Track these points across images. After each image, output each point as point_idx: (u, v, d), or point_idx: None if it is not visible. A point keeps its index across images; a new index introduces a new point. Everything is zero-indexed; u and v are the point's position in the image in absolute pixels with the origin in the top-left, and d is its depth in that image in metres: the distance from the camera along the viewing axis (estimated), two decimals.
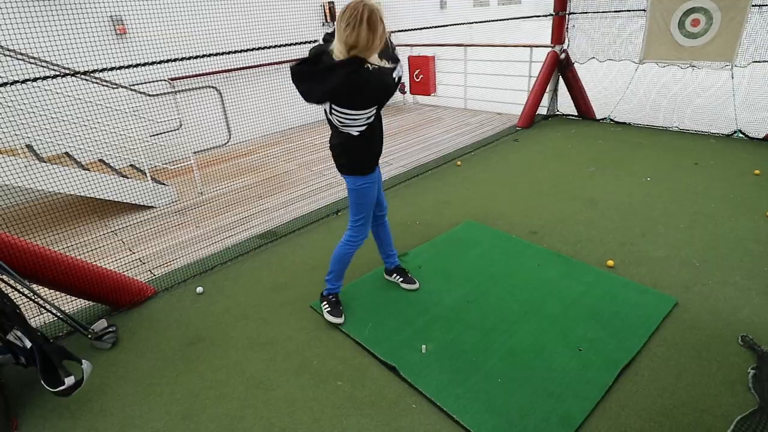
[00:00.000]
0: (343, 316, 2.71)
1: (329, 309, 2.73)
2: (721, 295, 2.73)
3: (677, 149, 5.17)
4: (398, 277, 3.01)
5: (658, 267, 3.05)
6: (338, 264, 2.69)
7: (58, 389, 2.13)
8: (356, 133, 2.27)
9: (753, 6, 4.89)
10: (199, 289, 3.15)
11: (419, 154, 5.71)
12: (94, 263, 2.89)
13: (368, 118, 2.23)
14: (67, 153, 4.81)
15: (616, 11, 5.87)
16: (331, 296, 2.78)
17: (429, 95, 8.09)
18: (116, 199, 4.33)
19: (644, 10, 5.58)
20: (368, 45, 2.02)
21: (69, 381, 2.15)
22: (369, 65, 2.06)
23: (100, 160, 5.18)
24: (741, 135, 5.40)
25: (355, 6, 1.97)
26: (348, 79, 2.03)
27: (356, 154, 2.38)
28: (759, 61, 5.10)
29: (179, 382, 2.39)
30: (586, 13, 6.12)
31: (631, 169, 4.68)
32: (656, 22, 5.54)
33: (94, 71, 3.08)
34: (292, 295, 3.03)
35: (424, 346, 2.46)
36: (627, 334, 2.46)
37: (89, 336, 2.63)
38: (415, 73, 8.03)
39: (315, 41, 4.04)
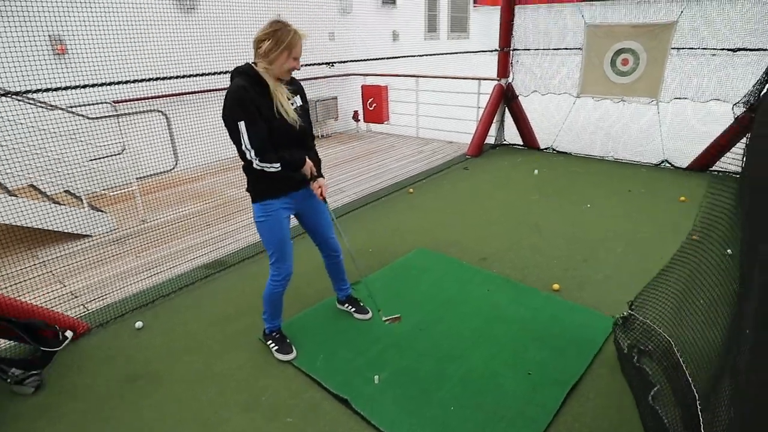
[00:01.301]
0: (293, 351, 2.61)
1: (277, 347, 2.62)
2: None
3: (613, 177, 5.50)
4: (350, 307, 2.97)
5: (599, 290, 3.19)
6: (268, 304, 2.58)
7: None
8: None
9: (672, 48, 5.38)
10: (139, 324, 2.97)
11: (372, 181, 5.75)
12: (17, 298, 2.66)
13: None
14: None
15: (555, 49, 6.27)
16: (274, 333, 2.66)
17: (382, 123, 8.24)
18: (46, 228, 4.04)
19: (580, 49, 6.00)
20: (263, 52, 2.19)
21: None
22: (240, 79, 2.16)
23: (31, 185, 4.85)
24: (668, 164, 5.83)
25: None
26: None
27: (250, 178, 2.35)
28: (680, 98, 5.58)
29: (116, 425, 2.21)
30: (528, 50, 6.50)
31: (572, 196, 4.93)
32: (591, 61, 5.96)
33: (26, 92, 2.92)
34: (240, 327, 2.92)
35: (376, 376, 2.42)
36: (573, 356, 2.54)
37: (8, 380, 2.40)
38: (369, 101, 8.17)
39: None
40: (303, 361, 2.57)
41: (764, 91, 4.91)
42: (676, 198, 4.74)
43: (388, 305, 3.06)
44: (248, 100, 2.13)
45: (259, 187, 2.34)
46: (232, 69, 2.25)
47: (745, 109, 5.05)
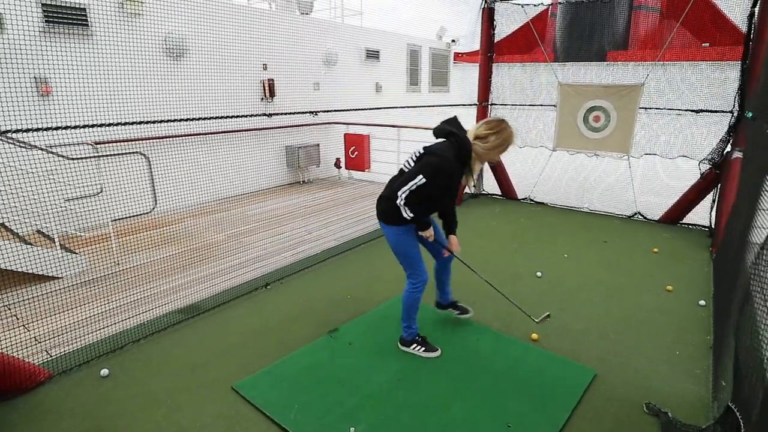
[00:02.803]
0: (438, 349, 2.99)
1: (423, 348, 2.97)
2: (634, 366, 2.89)
3: (588, 228, 5.64)
4: (453, 310, 3.37)
5: (578, 339, 3.19)
6: (409, 310, 2.96)
7: None
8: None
9: (640, 108, 5.70)
10: (104, 372, 2.83)
11: (353, 227, 5.77)
12: None
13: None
14: None
15: (531, 105, 6.57)
16: (417, 337, 3.00)
17: (363, 171, 8.37)
18: (13, 269, 3.90)
19: (555, 105, 6.30)
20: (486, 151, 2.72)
21: None
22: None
23: (1, 224, 4.72)
24: (640, 216, 6.02)
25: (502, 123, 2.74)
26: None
27: (392, 205, 2.79)
28: (649, 154, 5.85)
29: None
30: (505, 104, 6.79)
31: (549, 246, 5.01)
32: (565, 117, 6.25)
33: (6, 131, 2.90)
34: (212, 376, 2.80)
35: (352, 429, 2.33)
36: (553, 408, 2.50)
37: None
38: (351, 149, 8.34)
39: (253, 115, 4.18)
40: (276, 412, 2.46)
41: (726, 149, 5.20)
42: (650, 249, 4.87)
43: (366, 354, 3.00)
44: (449, 175, 2.64)
45: (398, 215, 2.74)
46: (455, 125, 2.73)
47: (710, 166, 5.32)
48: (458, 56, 13.13)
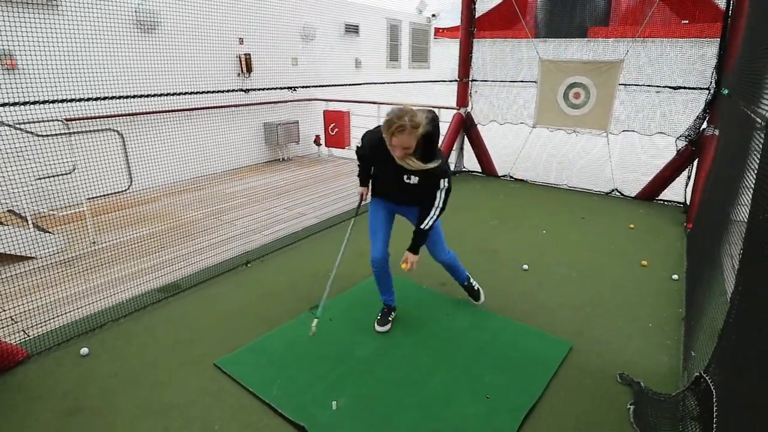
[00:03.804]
0: (387, 326, 3.03)
1: (379, 317, 3.05)
2: (608, 338, 2.99)
3: (567, 205, 5.72)
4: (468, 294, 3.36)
5: (555, 314, 3.28)
6: None
7: None
8: None
9: (620, 84, 5.74)
10: (84, 351, 2.80)
11: (334, 205, 5.75)
12: None
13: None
14: None
15: (511, 81, 6.56)
16: (383, 307, 3.11)
17: (343, 148, 8.29)
18: None
19: (535, 82, 6.30)
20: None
21: None
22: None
23: None
24: (618, 193, 6.13)
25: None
26: None
27: None
28: (628, 130, 5.93)
29: None
30: (486, 81, 6.76)
31: (528, 222, 5.08)
32: (545, 93, 6.26)
33: None
34: (193, 354, 2.80)
35: (334, 402, 2.37)
36: (529, 380, 2.58)
37: None
38: (331, 126, 8.23)
39: (230, 90, 4.11)
40: (258, 388, 2.49)
41: (703, 126, 5.30)
42: (626, 226, 4.98)
43: (347, 329, 3.04)
44: (369, 144, 2.72)
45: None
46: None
47: (686, 142, 5.42)
48: (439, 32, 12.97)
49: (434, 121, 2.48)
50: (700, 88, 5.29)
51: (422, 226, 2.66)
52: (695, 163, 5.39)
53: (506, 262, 4.08)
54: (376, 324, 3.02)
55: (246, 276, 3.81)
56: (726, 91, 4.38)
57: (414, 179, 2.61)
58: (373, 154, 2.71)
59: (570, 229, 4.91)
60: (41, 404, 2.40)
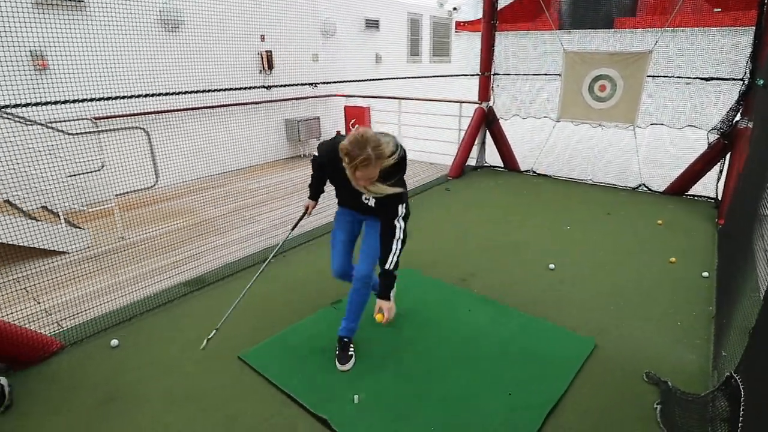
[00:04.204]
0: (348, 365, 2.64)
1: (337, 353, 2.68)
2: (634, 336, 2.92)
3: (592, 200, 5.61)
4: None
5: (579, 310, 3.22)
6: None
7: None
8: None
9: (648, 76, 5.58)
10: (114, 342, 2.89)
11: None
12: None
13: None
14: None
15: (535, 74, 6.45)
16: (343, 339, 2.72)
17: None
18: (22, 244, 3.94)
19: (559, 75, 6.18)
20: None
21: None
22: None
23: (6, 201, 4.74)
24: (645, 188, 5.98)
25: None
26: None
27: None
28: (656, 124, 5.77)
29: None
30: (509, 74, 6.67)
31: (552, 217, 5.01)
32: (570, 86, 6.14)
33: (5, 107, 2.88)
34: (218, 346, 2.85)
35: (356, 396, 2.39)
36: (552, 377, 2.54)
37: None
38: (351, 122, 8.25)
39: (252, 87, 4.11)
40: (281, 380, 2.52)
41: (736, 118, 5.12)
42: (654, 221, 4.85)
43: (367, 325, 3.05)
44: (321, 159, 2.52)
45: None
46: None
47: (718, 135, 5.25)
48: (460, 25, 12.82)
49: (401, 150, 2.23)
50: (734, 79, 5.10)
51: (387, 267, 2.33)
52: (728, 156, 5.21)
53: (529, 258, 4.03)
54: (337, 362, 2.62)
55: (268, 271, 3.85)
56: (761, 82, 4.22)
57: (372, 201, 2.38)
58: (332, 171, 2.43)
59: (594, 225, 4.81)
60: (75, 394, 2.48)
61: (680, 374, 2.55)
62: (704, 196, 5.59)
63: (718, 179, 5.33)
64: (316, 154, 2.55)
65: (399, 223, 2.35)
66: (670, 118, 5.64)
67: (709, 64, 5.25)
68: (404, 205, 2.38)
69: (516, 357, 2.72)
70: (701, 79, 5.32)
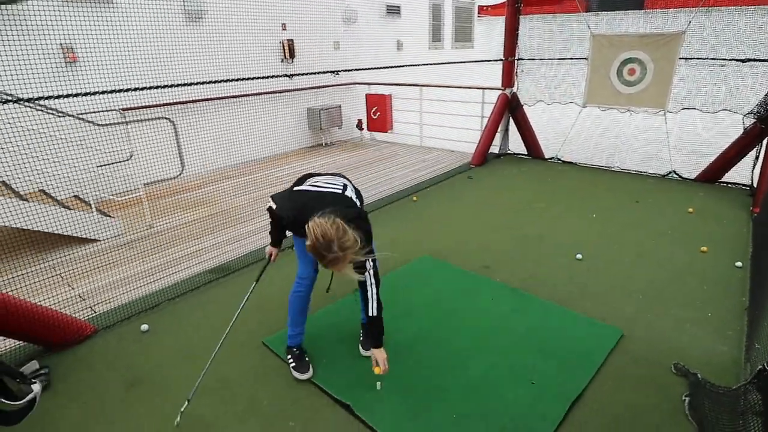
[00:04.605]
0: (310, 370, 2.53)
1: (294, 365, 2.55)
2: (662, 327, 2.86)
3: (619, 188, 5.48)
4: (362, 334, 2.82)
5: (604, 300, 3.17)
6: (289, 306, 2.60)
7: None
8: None
9: (680, 58, 5.37)
10: (144, 327, 2.98)
11: (376, 189, 5.77)
12: (27, 299, 2.69)
13: None
14: (3, 182, 4.53)
15: (560, 59, 6.29)
16: (294, 348, 2.61)
17: (386, 132, 8.27)
18: (56, 232, 4.09)
19: (586, 59, 6.01)
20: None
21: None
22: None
23: (41, 191, 4.91)
24: (675, 175, 5.80)
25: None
26: None
27: None
28: (688, 108, 5.56)
29: (116, 430, 2.22)
30: (533, 59, 6.52)
31: (577, 206, 4.91)
32: (597, 70, 5.96)
33: (38, 98, 2.97)
34: (243, 332, 2.92)
35: (378, 383, 2.41)
36: (576, 367, 2.51)
37: (17, 380, 2.41)
38: (373, 110, 8.22)
39: (275, 76, 4.05)
40: None
41: None
42: (685, 210, 4.71)
43: (390, 313, 3.05)
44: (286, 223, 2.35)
45: None
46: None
47: (755, 120, 5.03)
48: (483, 10, 12.55)
49: (358, 220, 2.06)
50: None
51: (371, 314, 2.27)
52: (764, 142, 5.00)
53: (552, 246, 3.97)
54: (295, 372, 2.53)
55: (291, 260, 3.90)
56: None
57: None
58: (297, 229, 2.28)
59: (622, 212, 4.70)
60: (106, 375, 2.58)
61: (710, 366, 2.49)
62: (738, 184, 5.39)
63: (754, 165, 5.12)
64: (274, 206, 2.33)
65: (369, 274, 2.24)
66: (703, 102, 5.43)
67: (746, 45, 5.02)
68: (372, 254, 2.20)
69: (539, 346, 2.69)
70: (737, 60, 5.09)
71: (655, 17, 5.48)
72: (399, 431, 2.13)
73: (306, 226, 1.93)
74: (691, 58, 5.36)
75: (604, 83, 5.95)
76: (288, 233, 2.57)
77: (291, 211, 2.24)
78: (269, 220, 2.47)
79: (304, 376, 2.50)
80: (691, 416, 2.15)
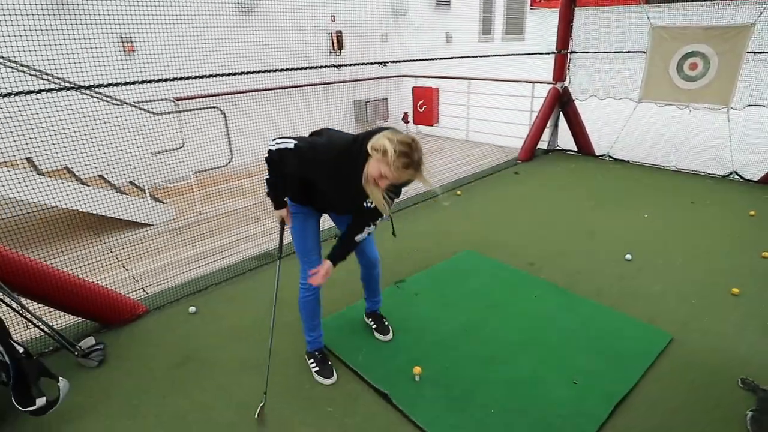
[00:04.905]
0: (334, 375, 2.46)
1: (317, 369, 2.48)
2: (718, 333, 2.71)
3: (674, 188, 5.21)
4: (373, 323, 2.81)
5: (655, 302, 3.03)
6: (301, 313, 2.50)
7: (28, 409, 2.04)
8: None
9: (748, 52, 5.03)
10: (192, 309, 3.11)
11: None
12: (86, 279, 2.85)
13: None
14: (66, 167, 4.82)
15: (616, 52, 6.02)
16: (316, 352, 2.54)
17: (431, 125, 8.21)
18: (113, 216, 4.31)
19: (644, 52, 5.73)
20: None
21: (40, 402, 2.04)
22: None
23: (100, 176, 5.19)
24: (737, 176, 5.45)
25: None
26: None
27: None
28: (754, 105, 5.21)
29: (166, 404, 2.33)
30: (587, 52, 6.28)
31: (629, 205, 4.71)
32: (655, 64, 5.68)
33: (98, 86, 3.12)
34: (286, 317, 2.97)
35: (417, 376, 2.41)
36: (623, 368, 2.42)
37: (76, 353, 2.57)
38: (419, 103, 8.17)
39: (322, 66, 4.04)
40: (346, 354, 2.60)
41: None
42: (746, 212, 4.42)
43: (432, 305, 3.05)
44: (312, 167, 2.02)
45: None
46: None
47: None
48: (536, 1, 12.19)
49: None
50: None
51: (357, 238, 2.18)
52: None
53: (602, 245, 3.83)
54: (319, 377, 2.44)
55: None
56: None
57: (372, 204, 2.07)
58: (321, 179, 2.10)
59: (676, 213, 4.47)
60: (157, 353, 2.71)
61: None
62: None
63: None
64: (276, 159, 2.06)
65: (374, 224, 2.19)
66: None
67: None
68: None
69: (584, 346, 2.61)
70: None
71: (722, 8, 5.15)
72: (436, 422, 2.12)
73: (372, 142, 1.82)
74: (760, 53, 5.01)
75: (663, 78, 5.66)
76: (287, 235, 2.42)
77: (316, 152, 1.99)
78: (265, 177, 2.18)
79: (328, 381, 2.42)
80: (752, 430, 2.03)
